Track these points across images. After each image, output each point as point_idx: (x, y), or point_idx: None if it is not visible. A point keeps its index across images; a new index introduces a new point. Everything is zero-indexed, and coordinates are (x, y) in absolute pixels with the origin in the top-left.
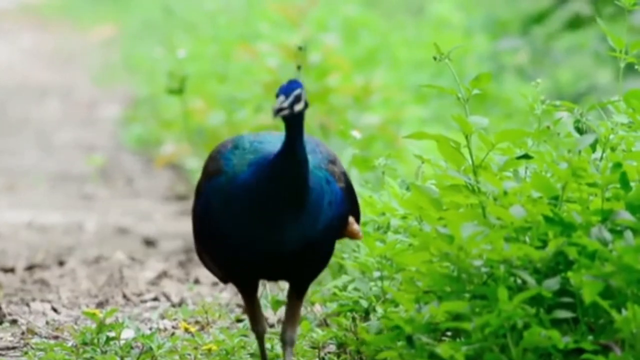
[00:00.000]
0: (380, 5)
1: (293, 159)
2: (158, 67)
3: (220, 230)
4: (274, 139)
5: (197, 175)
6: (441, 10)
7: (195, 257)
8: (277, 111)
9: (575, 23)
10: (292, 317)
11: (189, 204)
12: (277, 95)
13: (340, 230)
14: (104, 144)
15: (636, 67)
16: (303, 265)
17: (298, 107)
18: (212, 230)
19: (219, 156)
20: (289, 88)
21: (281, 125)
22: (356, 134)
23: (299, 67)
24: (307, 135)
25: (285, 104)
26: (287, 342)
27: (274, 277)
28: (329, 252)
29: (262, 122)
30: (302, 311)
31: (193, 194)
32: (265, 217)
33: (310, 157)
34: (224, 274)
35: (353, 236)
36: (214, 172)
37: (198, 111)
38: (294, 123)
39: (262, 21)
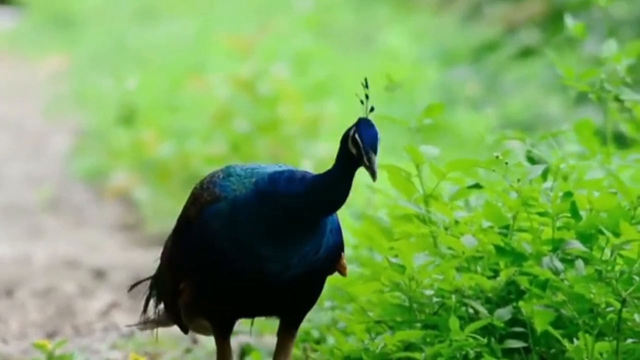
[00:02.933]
0: (330, 36)
1: (342, 185)
2: (108, 98)
3: (222, 256)
4: (269, 166)
5: (148, 206)
6: (391, 40)
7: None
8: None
9: (525, 53)
10: (284, 353)
11: (139, 234)
12: (367, 153)
13: (337, 260)
14: (54, 175)
15: (588, 95)
16: (302, 294)
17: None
18: (210, 258)
19: (212, 186)
20: (375, 140)
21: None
22: (307, 163)
23: (366, 97)
24: (289, 165)
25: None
26: None
27: (267, 311)
28: (323, 283)
29: (212, 152)
30: (252, 341)
31: (141, 224)
32: (273, 234)
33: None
34: (207, 311)
35: (342, 270)
36: (211, 200)
37: (148, 142)
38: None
39: (212, 52)
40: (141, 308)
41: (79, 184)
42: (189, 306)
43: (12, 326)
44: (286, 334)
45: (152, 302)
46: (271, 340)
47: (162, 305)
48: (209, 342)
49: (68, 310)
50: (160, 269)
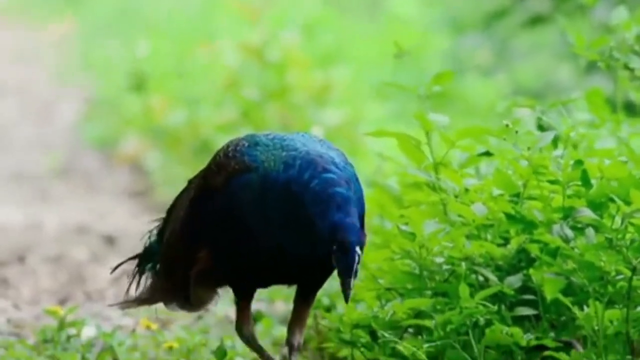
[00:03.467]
0: (338, 2)
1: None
2: (117, 64)
3: (247, 231)
4: (292, 136)
5: (158, 173)
6: (400, 7)
7: None
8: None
9: (536, 20)
10: (300, 321)
11: (149, 201)
12: (348, 277)
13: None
14: (63, 142)
15: (598, 64)
16: (323, 268)
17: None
18: (234, 230)
19: (239, 155)
20: (353, 267)
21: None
22: (317, 130)
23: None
24: (309, 134)
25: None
26: (294, 347)
27: (287, 282)
28: None
29: (222, 119)
30: (263, 308)
31: (151, 191)
32: (301, 219)
33: (334, 154)
34: (224, 280)
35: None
36: (240, 169)
37: (158, 109)
38: None
39: (221, 18)
40: (127, 286)
41: (89, 150)
42: (202, 276)
43: (23, 292)
44: (303, 302)
45: (136, 280)
46: (282, 306)
47: (149, 282)
48: (219, 309)
49: (79, 276)
50: (168, 241)
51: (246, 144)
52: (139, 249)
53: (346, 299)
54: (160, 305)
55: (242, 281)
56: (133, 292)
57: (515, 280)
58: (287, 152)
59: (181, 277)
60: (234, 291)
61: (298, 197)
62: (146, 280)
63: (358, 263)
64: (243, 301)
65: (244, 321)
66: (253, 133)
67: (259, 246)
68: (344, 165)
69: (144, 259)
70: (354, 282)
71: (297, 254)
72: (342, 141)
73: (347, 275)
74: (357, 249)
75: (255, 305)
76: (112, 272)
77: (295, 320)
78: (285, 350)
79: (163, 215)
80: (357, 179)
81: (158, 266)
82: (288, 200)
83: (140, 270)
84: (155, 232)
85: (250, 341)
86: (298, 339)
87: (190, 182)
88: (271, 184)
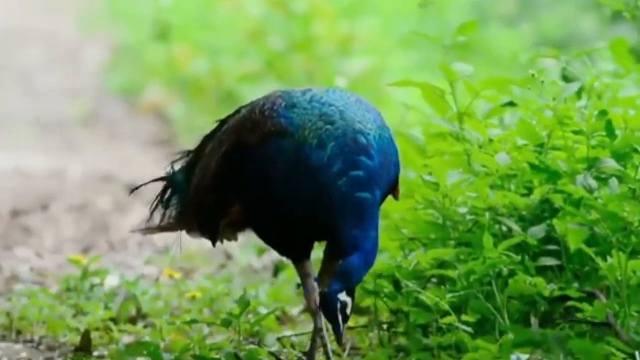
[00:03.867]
0: None
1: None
2: (142, 13)
3: (280, 199)
4: (330, 96)
5: (181, 121)
6: None
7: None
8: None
9: None
10: (330, 270)
11: (173, 149)
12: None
13: (394, 188)
14: (88, 89)
15: (623, 14)
16: None
17: (348, 312)
18: (266, 192)
19: (275, 114)
20: (334, 314)
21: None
22: (341, 81)
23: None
24: (349, 92)
25: (342, 327)
26: (318, 306)
27: (319, 239)
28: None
29: (246, 69)
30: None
31: (174, 140)
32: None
33: (370, 116)
34: (268, 236)
35: (396, 194)
36: (275, 131)
37: (182, 58)
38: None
39: None
40: (149, 211)
41: (113, 98)
42: (232, 226)
43: (46, 241)
44: (334, 256)
45: (160, 209)
46: None
47: (173, 213)
48: (243, 257)
49: (103, 225)
50: (197, 188)
51: (283, 104)
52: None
53: (339, 342)
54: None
55: (275, 240)
56: (155, 220)
57: (538, 231)
58: (325, 122)
59: (209, 222)
60: (279, 254)
61: (324, 188)
62: (170, 212)
63: (346, 308)
64: (296, 266)
65: (307, 294)
66: (290, 90)
67: (288, 209)
68: (379, 132)
69: (168, 191)
70: (344, 327)
71: (310, 222)
72: (366, 91)
73: (333, 324)
74: (341, 297)
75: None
76: (130, 194)
77: (325, 269)
78: (315, 298)
79: (186, 149)
80: (392, 141)
81: (184, 204)
82: (313, 184)
83: (164, 202)
84: (180, 165)
85: (315, 319)
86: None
87: (221, 122)
88: (303, 160)
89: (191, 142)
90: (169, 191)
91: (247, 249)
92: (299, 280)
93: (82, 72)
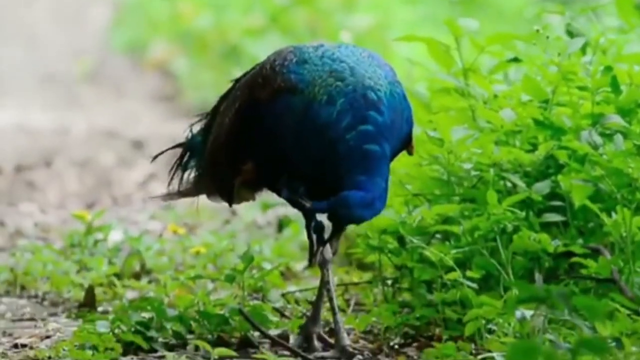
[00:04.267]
0: None
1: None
2: None
3: (289, 146)
4: (342, 52)
5: (186, 77)
6: None
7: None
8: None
9: None
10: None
11: (177, 105)
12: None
13: (408, 144)
14: (93, 46)
15: None
16: None
17: (325, 236)
18: (278, 144)
19: (285, 70)
20: (317, 233)
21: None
22: (345, 36)
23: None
24: (361, 48)
25: (318, 253)
26: (327, 259)
27: (333, 192)
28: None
29: (250, 23)
30: (292, 213)
31: (179, 96)
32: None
33: (381, 72)
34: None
35: (410, 150)
36: (286, 88)
37: (186, 13)
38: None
39: None
40: (168, 178)
41: (118, 55)
42: (246, 185)
43: (50, 196)
44: None
45: (179, 173)
46: None
47: (191, 177)
48: (247, 213)
49: (106, 180)
50: (212, 146)
51: (294, 59)
52: (166, 153)
53: (309, 261)
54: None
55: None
56: (175, 185)
57: (543, 187)
58: (335, 79)
59: (225, 182)
60: (292, 205)
61: (332, 143)
62: (189, 175)
63: (322, 231)
64: (307, 217)
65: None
66: (302, 45)
67: (298, 166)
68: (391, 88)
69: (187, 154)
70: (317, 248)
71: (319, 178)
72: (371, 46)
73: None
74: (319, 217)
75: (283, 210)
76: (152, 161)
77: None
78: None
79: (204, 112)
80: (404, 98)
81: (201, 165)
82: (322, 140)
83: (183, 166)
84: (197, 127)
85: (323, 272)
86: (335, 244)
87: (236, 81)
88: (312, 117)
89: (196, 98)
90: (187, 155)
91: (251, 205)
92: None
93: (87, 28)
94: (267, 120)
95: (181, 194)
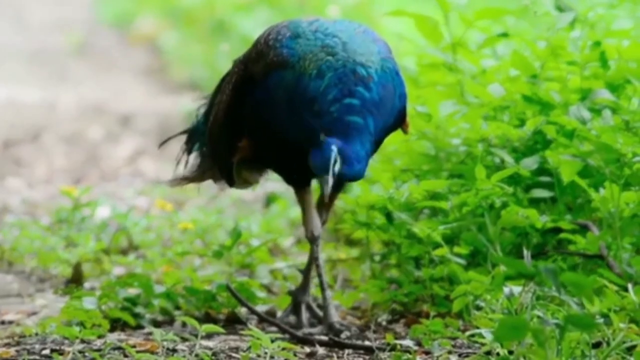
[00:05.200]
0: None
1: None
2: None
3: (281, 121)
4: (336, 27)
5: (174, 52)
6: None
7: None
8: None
9: None
10: (326, 207)
11: (165, 79)
12: (323, 174)
13: (402, 122)
14: (80, 20)
15: None
16: None
17: (337, 168)
18: (271, 119)
19: (278, 44)
20: (327, 161)
21: (269, 0)
22: (333, 11)
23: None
24: (357, 24)
25: (331, 182)
26: (315, 235)
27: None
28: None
29: None
30: (279, 189)
31: (167, 70)
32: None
33: (375, 47)
34: (275, 167)
35: (405, 128)
36: (278, 63)
37: None
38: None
39: None
40: (175, 164)
41: (105, 29)
42: (244, 163)
43: (38, 171)
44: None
45: (184, 158)
46: None
47: (196, 161)
48: (234, 190)
49: (94, 156)
50: (212, 125)
51: (287, 34)
52: (154, 128)
53: (325, 197)
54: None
55: (283, 172)
56: (181, 170)
57: (531, 162)
58: (326, 54)
59: (224, 160)
60: (284, 181)
61: (318, 116)
62: (194, 160)
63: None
64: (299, 194)
65: (306, 221)
66: (298, 20)
67: (292, 140)
68: (382, 64)
69: (191, 138)
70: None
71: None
72: (359, 21)
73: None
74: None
75: (271, 186)
76: (159, 147)
77: (321, 201)
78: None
79: (208, 94)
80: (397, 74)
81: (204, 146)
82: (309, 112)
83: (188, 149)
84: (202, 111)
85: (313, 248)
86: (324, 216)
87: (235, 62)
88: (302, 90)
89: (184, 73)
90: (192, 140)
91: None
92: (289, 214)
93: (74, 2)
94: (260, 94)
95: (188, 179)
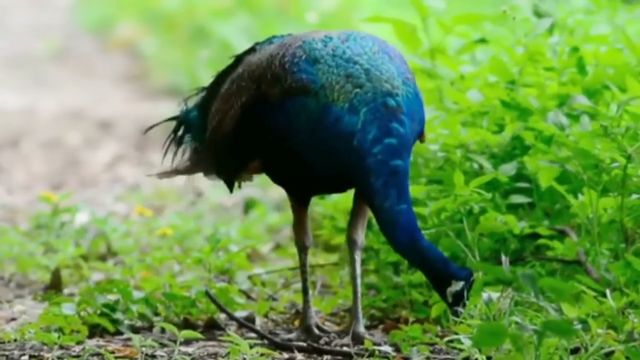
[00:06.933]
0: None
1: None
2: None
3: (299, 145)
4: (353, 51)
5: (153, 57)
6: None
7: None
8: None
9: None
10: (361, 218)
11: (144, 85)
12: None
13: (422, 135)
14: (59, 25)
15: None
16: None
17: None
18: (287, 143)
19: (295, 68)
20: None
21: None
22: (312, 16)
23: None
24: (370, 39)
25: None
26: (357, 244)
27: (339, 191)
28: None
29: (218, 4)
30: (257, 195)
31: (146, 76)
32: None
33: (394, 68)
34: (284, 184)
35: (422, 139)
36: (298, 89)
37: None
38: None
39: None
40: (163, 155)
41: (85, 34)
42: (250, 172)
43: (17, 177)
44: (363, 202)
45: (173, 148)
46: (276, 194)
47: (189, 155)
48: (213, 195)
49: (73, 161)
50: (215, 136)
51: (304, 56)
52: (133, 133)
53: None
54: (152, 191)
55: (290, 189)
56: (170, 161)
57: (509, 168)
58: (353, 85)
59: (230, 174)
60: (286, 193)
61: (358, 152)
62: (184, 151)
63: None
64: (297, 206)
65: (299, 230)
66: (310, 39)
67: (309, 165)
68: (406, 89)
69: (182, 129)
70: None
71: (333, 177)
72: (338, 27)
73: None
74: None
75: (249, 192)
76: (145, 132)
77: (357, 216)
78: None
79: (200, 87)
80: (417, 96)
81: (200, 146)
82: (344, 146)
83: (177, 140)
84: (193, 102)
85: (302, 255)
86: (361, 237)
87: (237, 59)
88: (333, 121)
89: (163, 78)
90: (182, 129)
91: (217, 186)
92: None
93: (53, 8)
94: (277, 118)
95: (177, 171)
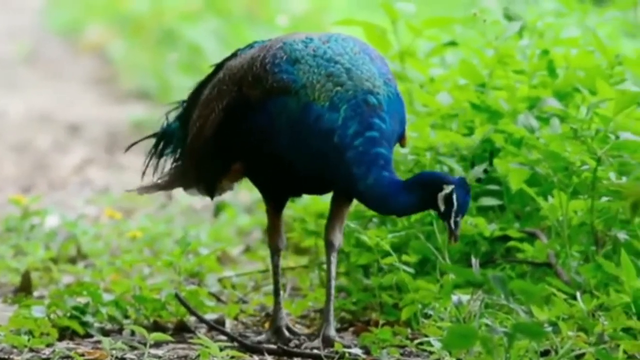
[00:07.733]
0: None
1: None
2: None
3: (280, 146)
4: (334, 51)
5: (122, 61)
6: None
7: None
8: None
9: None
10: (339, 219)
11: (113, 88)
12: (457, 217)
13: (403, 137)
14: (28, 29)
15: None
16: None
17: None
18: (269, 144)
19: (277, 69)
20: (467, 208)
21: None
22: (283, 20)
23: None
24: (350, 40)
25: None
26: (334, 246)
27: (322, 192)
28: None
29: (187, 7)
30: (228, 198)
31: (115, 79)
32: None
33: (375, 69)
34: (265, 186)
35: (403, 143)
36: (279, 89)
37: None
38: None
39: None
40: (143, 171)
41: (54, 38)
42: (232, 179)
43: None
44: (343, 202)
45: (154, 161)
46: (246, 196)
47: (169, 169)
48: (183, 198)
49: (43, 164)
50: (196, 142)
51: (284, 57)
52: (102, 137)
53: (454, 239)
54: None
55: (271, 191)
56: (151, 176)
57: (479, 171)
58: (334, 84)
59: (208, 176)
60: (264, 198)
61: (339, 147)
62: (165, 163)
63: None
64: (273, 210)
65: (274, 233)
66: (291, 40)
67: (291, 164)
68: (387, 89)
69: (162, 142)
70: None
71: (316, 177)
72: (308, 30)
73: (455, 216)
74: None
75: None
76: (126, 151)
77: (334, 218)
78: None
79: (180, 100)
80: (398, 97)
81: (181, 156)
82: (325, 144)
83: (158, 154)
84: (174, 115)
85: (275, 258)
86: (339, 239)
87: (217, 67)
88: (313, 119)
89: (132, 81)
90: (162, 143)
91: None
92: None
93: (22, 11)
94: (259, 119)
95: (158, 186)
